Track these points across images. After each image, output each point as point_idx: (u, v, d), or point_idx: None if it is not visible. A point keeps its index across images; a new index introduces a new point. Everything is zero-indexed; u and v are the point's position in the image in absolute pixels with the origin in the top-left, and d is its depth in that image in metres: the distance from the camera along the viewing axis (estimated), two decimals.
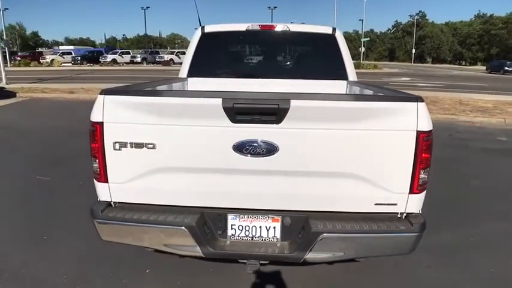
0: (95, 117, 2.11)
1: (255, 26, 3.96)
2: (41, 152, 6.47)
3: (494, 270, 3.10)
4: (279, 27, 3.97)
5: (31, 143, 7.19)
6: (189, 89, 3.85)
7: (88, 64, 43.45)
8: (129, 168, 2.15)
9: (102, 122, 2.09)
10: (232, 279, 2.88)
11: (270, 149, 2.05)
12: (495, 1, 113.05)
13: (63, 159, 6.00)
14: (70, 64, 43.84)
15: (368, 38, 56.77)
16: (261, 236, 2.26)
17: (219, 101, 1.98)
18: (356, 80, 4.04)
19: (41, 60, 44.47)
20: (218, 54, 4.18)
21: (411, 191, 2.17)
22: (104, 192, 2.24)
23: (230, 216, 2.24)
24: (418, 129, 2.06)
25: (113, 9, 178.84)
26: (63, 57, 46.46)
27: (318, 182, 2.15)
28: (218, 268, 2.97)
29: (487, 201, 4.57)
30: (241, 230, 2.26)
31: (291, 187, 2.16)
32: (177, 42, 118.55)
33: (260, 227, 2.25)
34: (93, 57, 46.01)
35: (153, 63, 45.50)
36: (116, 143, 2.10)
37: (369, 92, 3.10)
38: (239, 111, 1.99)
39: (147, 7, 54.67)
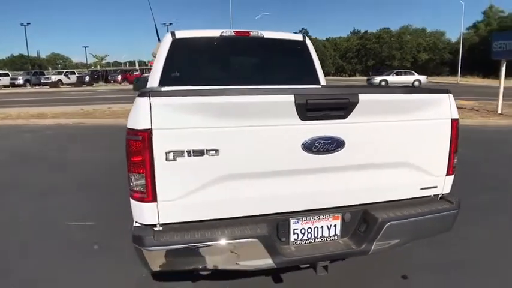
0: (141, 124, 1.80)
1: (229, 32, 3.89)
2: None
3: None
4: (253, 34, 3.96)
5: None
6: None
7: None
8: (185, 180, 1.89)
9: (151, 129, 1.80)
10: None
11: (338, 145, 2.03)
12: (367, 19, 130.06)
13: None
14: None
15: None
16: (322, 236, 2.20)
17: (291, 97, 1.89)
18: (326, 84, 4.24)
19: None
20: (191, 62, 3.96)
21: (448, 173, 2.36)
22: (149, 213, 1.91)
23: (292, 221, 2.13)
24: (452, 117, 2.28)
25: None
26: None
27: (376, 173, 2.19)
28: None
29: None
30: (304, 234, 2.17)
31: (352, 181, 2.16)
32: (59, 63, 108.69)
33: (322, 227, 2.19)
34: None
35: (38, 85, 40.66)
36: (169, 152, 1.83)
37: None
38: (311, 107, 1.92)
39: (28, 23, 48.09)
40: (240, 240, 1.92)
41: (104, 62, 53.54)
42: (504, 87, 12.10)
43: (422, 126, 2.23)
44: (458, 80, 40.57)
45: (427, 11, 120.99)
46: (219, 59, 4.09)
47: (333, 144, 2.02)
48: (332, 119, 2.00)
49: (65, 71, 44.87)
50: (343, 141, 2.03)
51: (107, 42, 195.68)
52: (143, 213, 1.92)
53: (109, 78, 44.30)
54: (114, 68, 62.13)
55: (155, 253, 1.87)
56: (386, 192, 2.27)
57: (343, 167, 2.10)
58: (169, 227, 1.94)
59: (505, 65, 11.64)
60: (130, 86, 37.47)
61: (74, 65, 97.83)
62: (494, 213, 4.22)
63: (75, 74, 43.55)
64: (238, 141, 1.91)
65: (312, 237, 2.18)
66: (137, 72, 46.47)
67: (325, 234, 2.21)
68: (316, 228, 2.18)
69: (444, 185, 2.39)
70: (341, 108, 1.99)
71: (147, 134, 1.79)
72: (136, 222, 1.98)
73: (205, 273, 2.10)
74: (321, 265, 2.13)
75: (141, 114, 1.80)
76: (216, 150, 1.87)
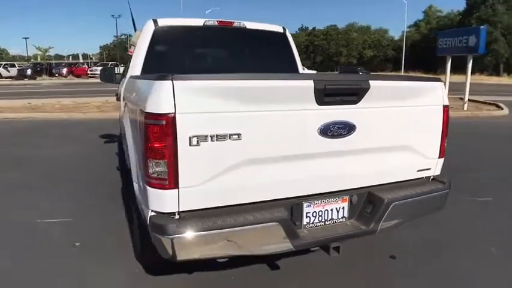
0: (163, 108, 1.75)
1: (213, 21, 3.85)
2: None
3: None
4: (236, 24, 3.95)
5: None
6: None
7: None
8: (207, 166, 1.86)
9: (174, 114, 1.75)
10: None
11: (350, 129, 2.11)
12: (313, 16, 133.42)
13: None
14: None
15: None
16: (332, 218, 2.28)
17: (310, 82, 1.93)
18: None
19: None
20: (174, 50, 3.88)
21: (439, 156, 2.54)
22: (170, 201, 1.86)
23: (305, 204, 2.18)
24: (444, 104, 2.46)
25: None
26: None
27: (381, 156, 2.31)
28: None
29: None
30: (315, 217, 2.23)
31: (360, 164, 2.25)
32: None
33: (331, 209, 2.27)
34: None
35: None
36: (193, 137, 1.79)
37: None
38: (329, 92, 1.98)
39: None
40: (262, 225, 1.93)
41: (46, 54, 49.85)
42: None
43: (420, 112, 2.38)
44: None
45: (371, 9, 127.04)
46: (202, 49, 4.04)
47: (345, 129, 2.09)
48: (345, 104, 2.07)
49: (3, 63, 41.40)
50: (355, 126, 2.12)
51: (47, 34, 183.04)
52: (163, 201, 1.86)
53: (53, 71, 41.39)
54: (58, 61, 58.24)
55: (177, 241, 1.82)
56: (389, 175, 2.39)
57: (353, 151, 2.19)
58: (189, 214, 1.90)
59: (450, 60, 12.59)
60: (77, 80, 35.30)
61: (12, 58, 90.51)
62: None
63: (15, 66, 40.22)
64: (260, 125, 1.92)
65: (323, 220, 2.25)
66: (84, 65, 44.11)
67: (334, 216, 2.29)
68: (326, 211, 2.25)
69: (436, 167, 2.57)
70: (354, 93, 2.07)
71: (171, 118, 1.75)
72: (152, 210, 1.92)
73: (222, 260, 2.09)
74: (333, 246, 2.21)
75: (163, 98, 1.75)
76: (239, 135, 1.86)
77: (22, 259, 3.04)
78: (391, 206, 2.25)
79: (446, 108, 2.47)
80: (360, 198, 2.33)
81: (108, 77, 5.44)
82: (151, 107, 1.78)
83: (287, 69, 4.17)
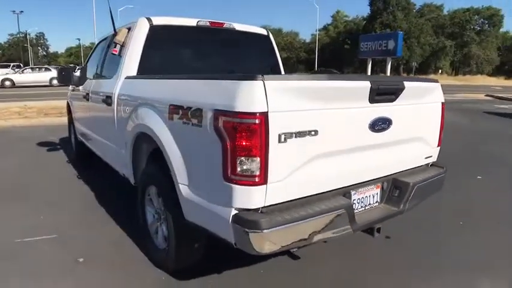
0: (257, 107, 1.85)
1: (205, 22, 3.89)
2: None
3: None
4: (226, 25, 4.05)
5: None
6: None
7: None
8: (290, 161, 2.01)
9: (267, 112, 1.86)
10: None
11: (389, 124, 2.43)
12: (225, 18, 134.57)
13: None
14: None
15: None
16: (370, 203, 2.58)
17: (367, 83, 2.21)
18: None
19: None
20: (170, 51, 3.81)
21: (438, 145, 3.02)
22: (257, 197, 1.95)
23: (353, 192, 2.44)
24: (442, 101, 2.94)
25: None
26: None
27: (404, 147, 2.68)
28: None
29: None
30: (359, 203, 2.51)
31: (391, 154, 2.59)
32: None
33: (368, 196, 2.57)
34: None
35: None
36: (281, 134, 1.92)
37: None
38: (381, 91, 2.27)
39: None
40: (335, 212, 2.14)
41: None
42: None
43: (428, 108, 2.82)
44: None
45: (282, 12, 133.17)
46: (196, 49, 4.05)
47: (386, 124, 2.41)
48: (387, 102, 2.40)
49: None
50: (392, 121, 2.44)
51: None
52: (251, 197, 1.94)
53: None
54: None
55: (268, 235, 1.90)
56: (407, 162, 2.78)
57: (389, 143, 2.52)
58: (272, 208, 2.02)
59: (371, 62, 14.02)
60: None
61: None
62: None
63: None
64: (330, 122, 2.14)
65: (363, 205, 2.55)
66: None
67: (371, 201, 2.59)
68: (366, 197, 2.55)
69: (435, 154, 3.03)
70: (393, 93, 2.41)
71: (264, 116, 1.85)
72: (234, 208, 1.98)
73: (294, 250, 2.23)
74: (378, 227, 2.52)
75: (256, 97, 1.85)
76: (316, 131, 2.05)
77: (33, 283, 2.76)
78: (415, 188, 2.63)
79: (443, 105, 2.94)
80: (388, 184, 2.66)
81: (66, 78, 5.13)
82: (243, 107, 1.85)
83: (272, 69, 4.41)
